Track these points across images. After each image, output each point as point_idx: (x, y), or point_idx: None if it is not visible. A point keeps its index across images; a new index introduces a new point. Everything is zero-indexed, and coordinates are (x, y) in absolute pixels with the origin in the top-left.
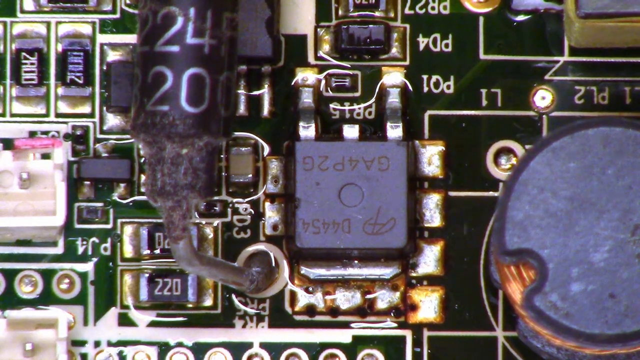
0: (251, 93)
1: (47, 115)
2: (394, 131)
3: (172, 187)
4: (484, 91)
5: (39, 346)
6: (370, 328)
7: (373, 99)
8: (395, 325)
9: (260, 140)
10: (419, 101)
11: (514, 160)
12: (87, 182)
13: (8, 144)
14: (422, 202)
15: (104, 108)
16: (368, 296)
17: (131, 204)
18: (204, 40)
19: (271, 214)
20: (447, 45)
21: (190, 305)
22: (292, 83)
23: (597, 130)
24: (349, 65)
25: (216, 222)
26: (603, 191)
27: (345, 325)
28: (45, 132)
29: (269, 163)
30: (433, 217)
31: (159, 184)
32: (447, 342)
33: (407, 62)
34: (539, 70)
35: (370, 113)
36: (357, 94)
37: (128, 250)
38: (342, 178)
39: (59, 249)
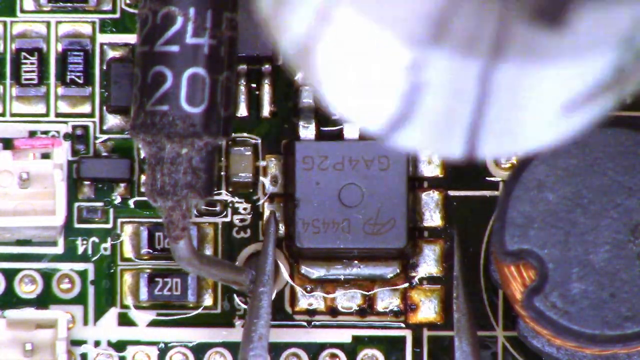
0: (251, 91)
1: (47, 115)
2: None
3: (172, 186)
4: None
5: (39, 346)
6: (371, 328)
7: None
8: (395, 325)
9: (260, 141)
10: None
11: (514, 160)
12: (87, 182)
13: (8, 143)
14: (422, 202)
15: (104, 108)
16: (368, 293)
17: (132, 204)
18: (203, 40)
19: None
20: None
21: (190, 305)
22: (293, 82)
23: (597, 130)
24: None
25: (220, 220)
26: (603, 191)
27: (345, 325)
28: (45, 132)
29: (268, 163)
30: (433, 217)
31: (159, 184)
32: (447, 342)
33: None
34: None
35: None
36: None
37: (128, 250)
38: (342, 178)
39: (59, 249)
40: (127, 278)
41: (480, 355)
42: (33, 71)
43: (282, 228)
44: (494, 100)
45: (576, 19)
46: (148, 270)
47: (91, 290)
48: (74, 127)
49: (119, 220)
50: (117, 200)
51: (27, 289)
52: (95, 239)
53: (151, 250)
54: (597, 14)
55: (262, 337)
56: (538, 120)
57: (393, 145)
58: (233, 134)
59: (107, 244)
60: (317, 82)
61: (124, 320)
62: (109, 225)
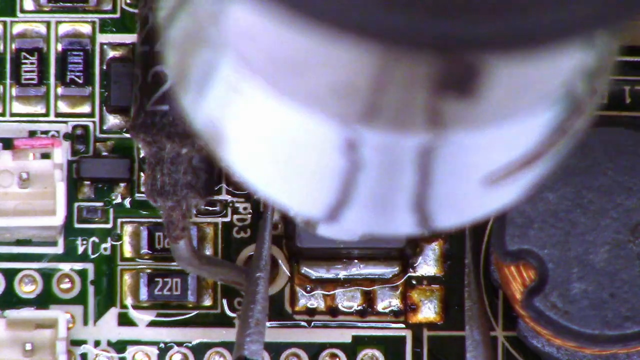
0: None
1: (47, 115)
2: None
3: (172, 186)
4: None
5: (39, 346)
6: (371, 328)
7: None
8: (395, 325)
9: None
10: None
11: None
12: (87, 182)
13: (8, 143)
14: None
15: (104, 108)
16: (368, 291)
17: (128, 204)
18: None
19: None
20: None
21: (190, 305)
22: None
23: (597, 130)
24: None
25: (220, 220)
26: (603, 191)
27: (345, 325)
28: (45, 132)
29: None
30: None
31: (159, 184)
32: (447, 342)
33: None
34: None
35: None
36: None
37: (128, 250)
38: None
39: (59, 249)
40: (127, 278)
41: (491, 344)
42: (33, 71)
43: (281, 228)
44: (430, 173)
45: (490, 86)
46: (148, 270)
47: (91, 290)
48: (74, 127)
49: (119, 220)
50: (118, 200)
51: (27, 289)
52: (95, 239)
53: (151, 250)
54: (514, 78)
55: (258, 322)
56: (472, 192)
57: (334, 231)
58: None
59: (107, 244)
60: (236, 167)
61: (124, 320)
62: (109, 225)
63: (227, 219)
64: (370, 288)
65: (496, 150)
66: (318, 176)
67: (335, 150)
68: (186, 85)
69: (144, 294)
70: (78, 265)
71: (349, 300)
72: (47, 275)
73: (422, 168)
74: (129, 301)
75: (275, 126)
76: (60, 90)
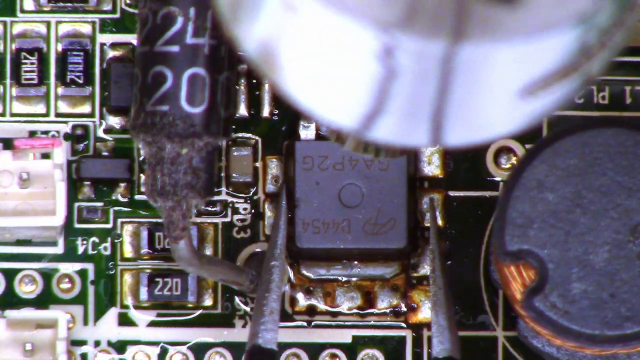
0: (251, 91)
1: (47, 115)
2: None
3: (172, 187)
4: None
5: (39, 346)
6: (371, 328)
7: None
8: (395, 325)
9: (260, 140)
10: None
11: (514, 160)
12: (87, 182)
13: (8, 143)
14: (422, 202)
15: (104, 108)
16: (368, 291)
17: (128, 203)
18: (204, 40)
19: (271, 214)
20: None
21: (190, 305)
22: None
23: (598, 130)
24: None
25: (220, 220)
26: (603, 191)
27: (345, 325)
28: (45, 132)
29: (268, 163)
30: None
31: (159, 184)
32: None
33: None
34: None
35: None
36: None
37: (128, 250)
38: (342, 178)
39: (59, 249)
40: (127, 278)
41: (457, 329)
42: (33, 71)
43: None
44: (454, 84)
45: None
46: (148, 270)
47: (91, 290)
48: (74, 127)
49: (119, 220)
50: (119, 200)
51: (27, 289)
52: (95, 239)
53: (151, 250)
54: None
55: (273, 311)
56: (497, 106)
57: (369, 138)
58: (233, 134)
59: (107, 244)
60: (284, 83)
61: (124, 320)
62: (109, 225)
63: (227, 219)
64: (371, 289)
65: (534, 61)
66: (358, 85)
67: (374, 56)
68: (239, 12)
69: (144, 294)
70: (78, 265)
71: (349, 301)
72: (47, 275)
73: (445, 77)
74: (129, 301)
75: (323, 38)
76: (60, 90)
